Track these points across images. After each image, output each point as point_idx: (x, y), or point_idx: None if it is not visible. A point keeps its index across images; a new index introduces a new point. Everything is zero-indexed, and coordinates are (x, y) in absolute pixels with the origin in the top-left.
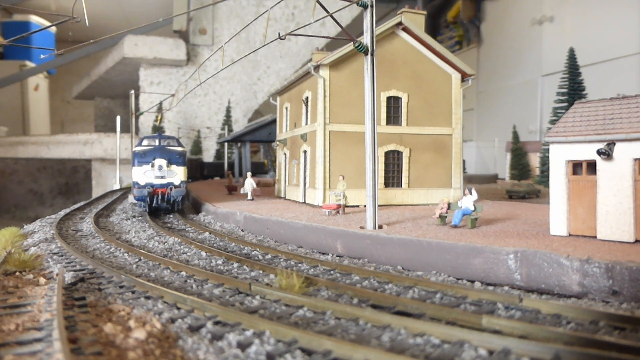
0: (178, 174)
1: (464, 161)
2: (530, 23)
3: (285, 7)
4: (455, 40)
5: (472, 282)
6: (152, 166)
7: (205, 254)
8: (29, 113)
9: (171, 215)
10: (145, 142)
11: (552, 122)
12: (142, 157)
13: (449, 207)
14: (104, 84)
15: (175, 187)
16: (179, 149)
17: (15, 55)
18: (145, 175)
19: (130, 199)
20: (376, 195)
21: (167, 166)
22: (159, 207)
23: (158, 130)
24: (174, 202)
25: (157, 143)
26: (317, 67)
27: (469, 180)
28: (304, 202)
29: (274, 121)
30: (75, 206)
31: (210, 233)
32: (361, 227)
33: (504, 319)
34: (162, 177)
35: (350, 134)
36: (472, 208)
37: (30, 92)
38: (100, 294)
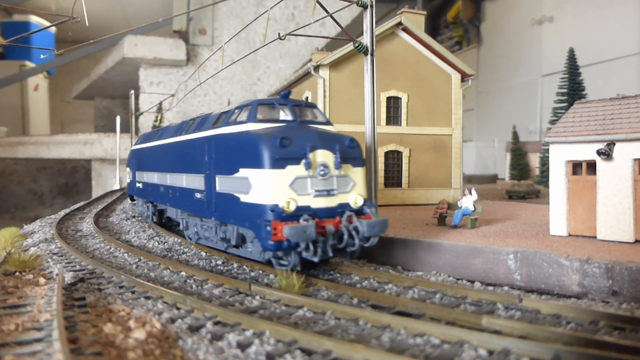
0: (357, 185)
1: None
2: (530, 23)
3: (285, 7)
4: (455, 41)
5: (472, 282)
6: (308, 168)
7: (205, 254)
8: (29, 113)
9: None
10: (260, 114)
11: (552, 122)
12: (280, 149)
13: (448, 207)
14: (103, 84)
15: (357, 213)
16: (331, 128)
17: (15, 56)
18: (292, 188)
19: (135, 202)
20: (376, 195)
21: (338, 167)
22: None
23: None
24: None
25: (289, 115)
26: (317, 68)
27: (469, 180)
28: None
29: None
30: (75, 206)
31: None
32: None
33: (503, 319)
34: (328, 193)
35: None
36: (472, 208)
37: (30, 92)
38: (100, 294)
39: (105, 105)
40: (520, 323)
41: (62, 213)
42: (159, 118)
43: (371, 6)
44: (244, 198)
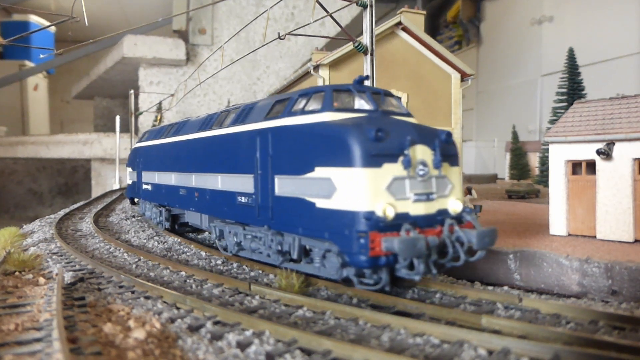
0: (455, 187)
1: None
2: (530, 23)
3: (285, 7)
4: (454, 40)
5: (472, 282)
6: (407, 167)
7: (204, 253)
8: (29, 113)
9: None
10: (335, 102)
11: (552, 122)
12: (375, 143)
13: None
14: (103, 84)
15: (459, 220)
16: (414, 120)
17: (15, 55)
18: (389, 192)
19: (140, 206)
20: None
21: (438, 166)
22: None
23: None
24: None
25: (369, 104)
26: (316, 67)
27: (469, 180)
28: None
29: None
30: (75, 206)
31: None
32: None
33: (503, 319)
34: (428, 197)
35: None
36: (471, 207)
37: (29, 92)
38: (100, 293)
39: (105, 105)
40: (520, 323)
41: (61, 213)
42: (158, 118)
43: (371, 6)
44: (322, 203)
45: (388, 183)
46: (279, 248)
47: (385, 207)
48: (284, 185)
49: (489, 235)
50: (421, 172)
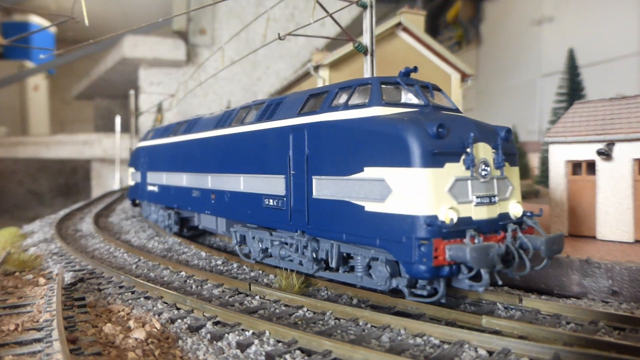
0: (515, 189)
1: None
2: (530, 23)
3: (285, 7)
4: (454, 41)
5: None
6: (470, 166)
7: (204, 254)
8: (29, 113)
9: None
10: (386, 94)
11: (552, 122)
12: (436, 141)
13: None
14: (103, 84)
15: (521, 226)
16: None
17: (15, 56)
18: (451, 194)
19: (143, 208)
20: None
21: (500, 166)
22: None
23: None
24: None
25: (419, 99)
26: (316, 68)
27: None
28: None
29: None
30: (75, 206)
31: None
32: None
33: (503, 319)
34: (490, 200)
35: None
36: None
37: (29, 92)
38: (100, 294)
39: (105, 105)
40: (520, 323)
41: (61, 213)
42: (158, 118)
43: (371, 6)
44: (373, 207)
45: (450, 184)
46: (314, 255)
47: (448, 212)
48: (323, 187)
49: (557, 242)
50: (484, 173)
